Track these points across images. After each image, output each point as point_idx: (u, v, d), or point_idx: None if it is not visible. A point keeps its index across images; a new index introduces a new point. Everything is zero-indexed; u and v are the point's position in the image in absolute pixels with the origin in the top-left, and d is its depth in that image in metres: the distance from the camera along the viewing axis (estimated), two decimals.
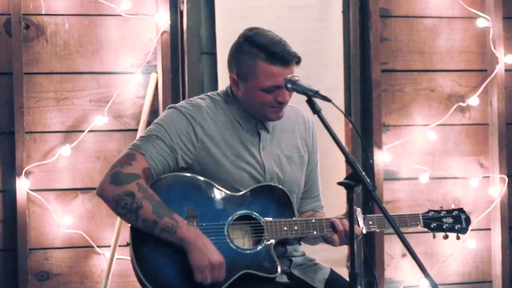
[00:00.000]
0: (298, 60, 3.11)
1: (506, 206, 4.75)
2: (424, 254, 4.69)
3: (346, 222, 3.09)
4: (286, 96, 3.10)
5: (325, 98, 2.86)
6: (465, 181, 4.77)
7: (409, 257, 2.66)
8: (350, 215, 2.73)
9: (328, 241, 3.16)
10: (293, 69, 3.10)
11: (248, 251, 3.06)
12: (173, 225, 2.97)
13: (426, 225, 3.26)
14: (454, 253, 4.74)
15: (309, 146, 3.31)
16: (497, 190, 4.75)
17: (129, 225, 3.05)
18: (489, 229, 4.80)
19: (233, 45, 3.17)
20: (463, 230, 3.31)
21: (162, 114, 3.22)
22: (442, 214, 3.29)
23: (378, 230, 3.20)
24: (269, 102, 3.10)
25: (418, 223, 3.25)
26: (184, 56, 4.50)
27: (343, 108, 4.61)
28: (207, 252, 2.97)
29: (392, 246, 4.69)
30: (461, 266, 4.79)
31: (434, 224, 3.27)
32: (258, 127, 3.20)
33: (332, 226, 3.12)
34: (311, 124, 3.33)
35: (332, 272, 3.24)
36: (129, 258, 3.04)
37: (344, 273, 3.26)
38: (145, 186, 3.01)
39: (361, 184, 2.71)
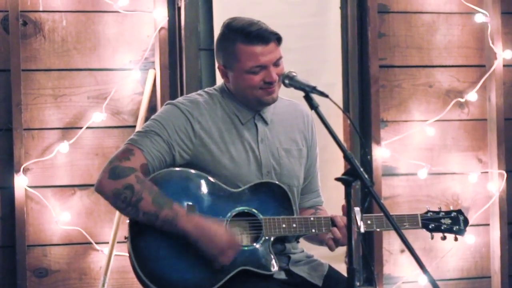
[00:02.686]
0: (277, 38, 3.09)
1: (505, 202, 4.75)
2: (423, 250, 4.69)
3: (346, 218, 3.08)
4: (273, 75, 3.08)
5: (322, 94, 2.86)
6: (464, 176, 4.77)
7: (407, 252, 2.65)
8: (347, 210, 2.73)
9: (323, 244, 3.15)
10: (275, 48, 3.08)
11: (246, 248, 3.05)
12: (173, 217, 2.95)
13: (425, 226, 3.24)
14: (452, 248, 4.73)
15: (308, 140, 3.30)
16: (496, 185, 4.75)
17: (127, 220, 3.04)
18: (488, 224, 4.79)
19: (217, 36, 3.18)
20: (461, 232, 3.28)
21: (160, 110, 3.21)
22: (440, 215, 3.27)
23: (378, 230, 3.19)
24: (257, 84, 3.09)
25: (416, 224, 3.23)
26: (182, 53, 4.49)
27: (341, 104, 4.61)
28: (213, 239, 2.95)
29: (391, 242, 4.69)
30: (459, 262, 4.79)
31: (433, 225, 3.25)
32: (256, 119, 3.19)
33: (332, 221, 3.11)
34: (310, 118, 3.32)
35: (331, 268, 3.24)
36: (128, 255, 3.03)
37: (342, 269, 3.25)
38: (142, 178, 3.00)
39: (359, 179, 2.71)
